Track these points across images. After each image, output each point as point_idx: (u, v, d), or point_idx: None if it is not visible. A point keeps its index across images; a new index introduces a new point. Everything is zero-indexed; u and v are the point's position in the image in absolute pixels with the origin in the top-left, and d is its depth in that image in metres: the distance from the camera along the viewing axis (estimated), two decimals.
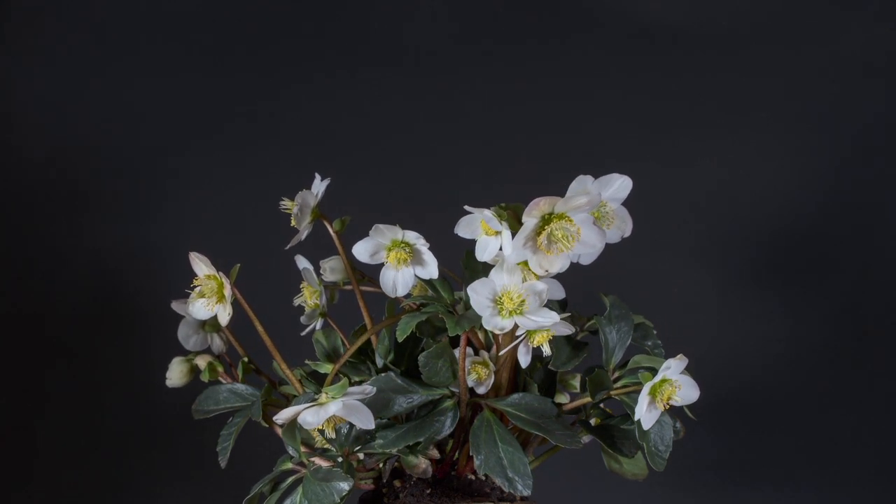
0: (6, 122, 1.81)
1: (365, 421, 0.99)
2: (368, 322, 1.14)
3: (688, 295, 1.81)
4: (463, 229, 1.02)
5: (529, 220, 0.99)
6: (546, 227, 0.99)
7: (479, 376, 1.08)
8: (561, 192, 1.00)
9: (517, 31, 1.84)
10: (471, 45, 1.85)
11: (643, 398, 1.03)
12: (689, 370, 1.05)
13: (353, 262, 1.12)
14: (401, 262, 1.06)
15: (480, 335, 1.08)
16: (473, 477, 1.12)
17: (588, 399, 1.07)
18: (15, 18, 1.81)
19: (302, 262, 1.17)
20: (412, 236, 1.06)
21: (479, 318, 1.03)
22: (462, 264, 1.09)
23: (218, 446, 1.09)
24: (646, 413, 1.03)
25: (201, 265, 1.07)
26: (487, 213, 1.00)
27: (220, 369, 1.16)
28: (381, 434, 1.06)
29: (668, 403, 1.02)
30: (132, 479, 1.78)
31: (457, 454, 1.12)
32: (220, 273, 1.07)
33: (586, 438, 1.18)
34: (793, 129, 1.82)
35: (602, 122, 1.83)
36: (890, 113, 1.82)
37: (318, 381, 1.13)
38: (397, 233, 1.06)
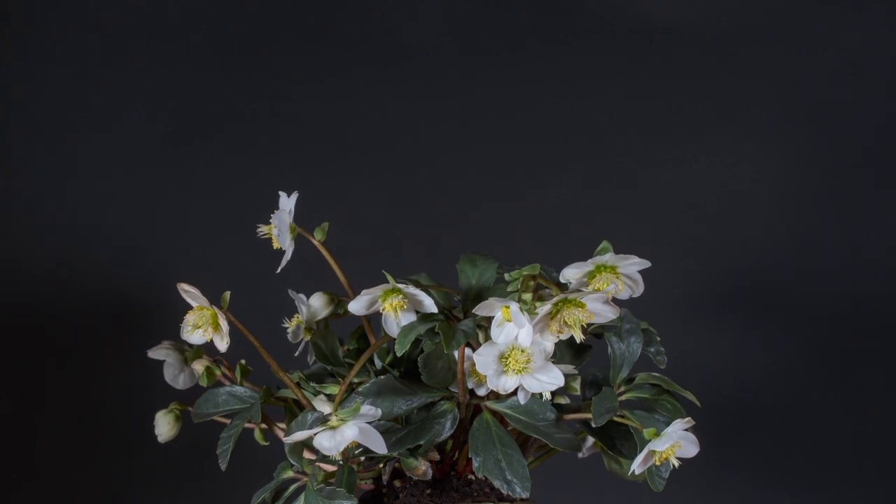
0: (5, 121, 1.81)
1: (378, 445, 0.99)
2: (370, 335, 1.14)
3: (687, 295, 1.81)
4: (483, 310, 1.03)
5: (544, 307, 1.01)
6: (559, 313, 1.01)
7: (479, 378, 1.07)
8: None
9: (517, 32, 1.84)
10: (470, 45, 1.84)
11: (642, 453, 1.04)
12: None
13: (347, 276, 1.12)
14: (398, 310, 1.05)
15: (481, 338, 1.08)
16: (473, 477, 1.12)
17: (590, 415, 1.07)
18: (14, 18, 1.81)
19: (294, 294, 1.17)
20: (401, 286, 1.06)
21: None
22: (458, 269, 1.09)
23: (218, 449, 1.09)
24: (639, 465, 1.04)
25: (192, 300, 1.07)
26: (515, 307, 1.01)
27: (218, 373, 1.16)
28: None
29: (664, 461, 1.04)
30: (132, 483, 1.78)
31: (457, 455, 1.12)
32: (214, 306, 1.07)
33: (588, 449, 1.18)
34: (792, 130, 1.82)
35: (601, 122, 1.83)
36: (890, 113, 1.81)
37: (316, 381, 1.13)
38: (387, 286, 1.06)
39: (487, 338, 1.08)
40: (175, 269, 1.81)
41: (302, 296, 1.18)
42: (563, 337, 1.02)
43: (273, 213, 1.13)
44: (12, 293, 1.80)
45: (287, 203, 1.13)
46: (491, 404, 1.08)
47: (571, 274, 1.04)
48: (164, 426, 1.16)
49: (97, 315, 1.80)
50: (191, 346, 1.17)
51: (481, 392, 1.08)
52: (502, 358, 1.03)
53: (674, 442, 1.03)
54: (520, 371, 1.02)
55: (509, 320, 1.01)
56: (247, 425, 1.13)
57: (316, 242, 1.13)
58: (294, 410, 1.12)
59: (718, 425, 1.78)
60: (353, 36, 1.84)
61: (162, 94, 1.82)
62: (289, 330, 1.18)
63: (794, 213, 1.82)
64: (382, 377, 1.07)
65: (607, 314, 1.02)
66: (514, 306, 1.01)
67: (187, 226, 1.81)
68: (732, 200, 1.82)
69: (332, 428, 0.98)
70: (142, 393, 1.77)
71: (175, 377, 1.16)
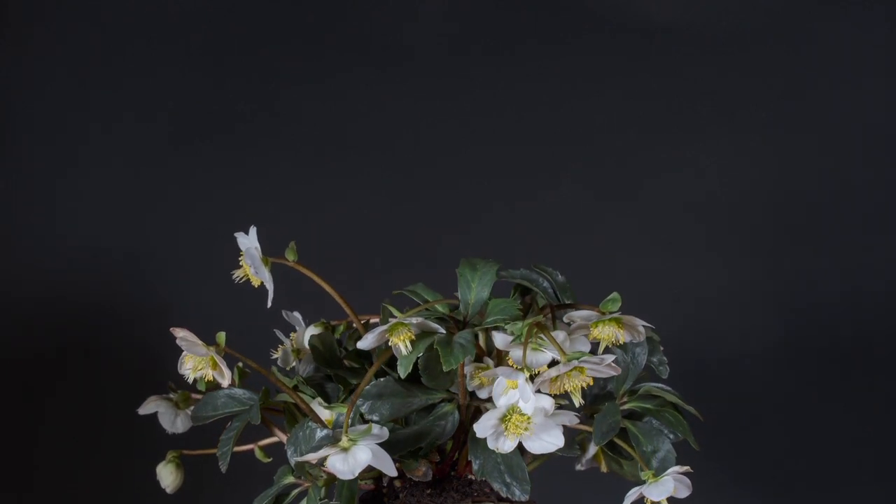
0: (5, 121, 1.81)
1: (388, 468, 1.00)
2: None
3: (687, 296, 1.81)
4: (490, 374, 1.03)
5: (541, 378, 1.01)
6: (558, 379, 1.01)
7: (481, 382, 1.07)
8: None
9: (517, 32, 1.84)
10: (470, 45, 1.84)
11: (633, 492, 1.04)
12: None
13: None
14: (408, 340, 1.05)
15: (482, 341, 1.08)
16: (473, 477, 1.12)
17: (589, 428, 1.07)
18: (14, 18, 1.81)
19: (289, 315, 1.17)
20: (407, 321, 1.04)
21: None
22: (458, 273, 1.09)
23: (218, 451, 1.09)
24: (628, 499, 1.05)
25: (188, 349, 1.06)
26: (522, 380, 1.01)
27: None
28: None
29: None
30: (132, 483, 1.78)
31: (457, 455, 1.12)
32: (211, 348, 1.06)
33: (587, 461, 1.18)
34: (792, 130, 1.82)
35: (601, 122, 1.83)
36: (890, 113, 1.81)
37: (314, 385, 1.13)
38: (393, 321, 1.05)
39: (487, 341, 1.08)
40: (175, 269, 1.81)
41: (297, 314, 1.18)
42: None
43: (240, 255, 1.11)
44: (12, 293, 1.80)
45: (249, 241, 1.10)
46: (491, 407, 1.08)
47: (576, 316, 1.04)
48: (168, 477, 1.17)
49: (97, 314, 1.80)
50: (176, 390, 1.17)
51: (483, 394, 1.08)
52: (502, 419, 1.02)
53: (669, 493, 1.03)
54: (519, 434, 1.02)
55: (514, 388, 1.01)
56: (243, 448, 1.13)
57: (292, 264, 1.12)
58: (293, 412, 1.12)
59: (718, 426, 1.78)
60: (353, 36, 1.84)
61: (162, 94, 1.82)
62: (278, 359, 1.18)
63: (793, 212, 1.82)
64: (382, 379, 1.07)
65: (608, 373, 1.02)
66: (522, 379, 1.01)
67: (187, 226, 1.81)
68: (732, 200, 1.82)
69: (344, 449, 0.98)
70: (142, 393, 1.77)
71: (172, 423, 1.17)
